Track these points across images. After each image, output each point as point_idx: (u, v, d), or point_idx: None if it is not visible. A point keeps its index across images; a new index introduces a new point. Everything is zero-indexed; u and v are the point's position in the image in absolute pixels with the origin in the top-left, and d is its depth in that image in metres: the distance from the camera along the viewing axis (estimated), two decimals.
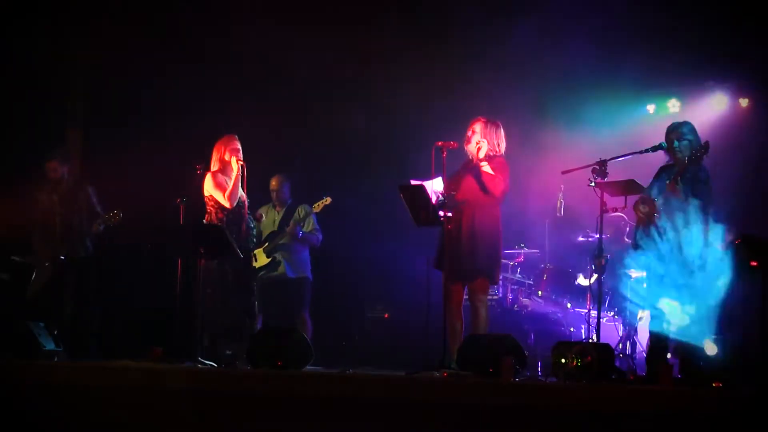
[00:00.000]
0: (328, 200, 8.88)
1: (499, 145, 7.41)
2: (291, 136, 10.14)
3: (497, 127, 7.44)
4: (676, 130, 6.82)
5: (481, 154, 7.29)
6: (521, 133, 9.26)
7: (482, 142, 7.32)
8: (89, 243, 8.74)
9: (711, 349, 6.41)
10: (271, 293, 8.97)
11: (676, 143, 6.78)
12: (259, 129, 9.26)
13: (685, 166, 6.60)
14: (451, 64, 9.54)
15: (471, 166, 7.32)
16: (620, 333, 8.45)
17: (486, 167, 7.23)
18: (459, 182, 7.31)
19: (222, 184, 7.84)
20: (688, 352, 6.47)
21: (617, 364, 6.85)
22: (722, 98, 9.39)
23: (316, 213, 8.96)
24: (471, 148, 7.36)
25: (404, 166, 9.06)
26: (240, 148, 7.92)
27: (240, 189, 7.86)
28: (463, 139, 7.40)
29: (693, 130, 6.82)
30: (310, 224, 9.03)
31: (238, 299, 7.79)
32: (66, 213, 8.70)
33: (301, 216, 9.03)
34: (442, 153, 7.21)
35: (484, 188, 7.24)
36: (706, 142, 6.58)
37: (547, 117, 9.65)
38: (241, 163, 7.81)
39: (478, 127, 7.39)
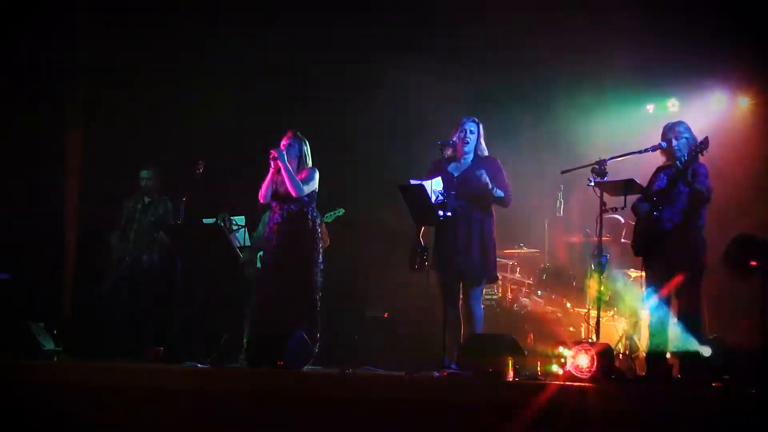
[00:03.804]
0: (340, 212, 8.88)
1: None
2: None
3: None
4: (673, 129, 6.86)
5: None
6: (521, 133, 9.29)
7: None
8: (153, 255, 8.88)
9: (706, 350, 6.41)
10: None
11: (674, 142, 6.81)
12: (260, 129, 9.26)
13: (685, 164, 6.61)
14: (451, 63, 9.53)
15: (480, 175, 7.22)
16: (620, 333, 8.44)
17: (497, 192, 7.20)
18: (455, 183, 7.27)
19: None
20: (688, 353, 6.47)
21: (617, 364, 6.85)
22: (722, 98, 9.39)
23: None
24: (469, 148, 7.34)
25: (404, 166, 9.04)
26: (287, 143, 7.74)
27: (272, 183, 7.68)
28: (458, 137, 7.37)
29: (689, 128, 6.90)
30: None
31: (287, 302, 7.66)
32: (142, 222, 8.89)
33: None
34: (442, 152, 7.20)
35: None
36: (706, 138, 6.59)
37: (546, 116, 9.65)
38: (273, 155, 7.62)
39: (474, 126, 7.37)
